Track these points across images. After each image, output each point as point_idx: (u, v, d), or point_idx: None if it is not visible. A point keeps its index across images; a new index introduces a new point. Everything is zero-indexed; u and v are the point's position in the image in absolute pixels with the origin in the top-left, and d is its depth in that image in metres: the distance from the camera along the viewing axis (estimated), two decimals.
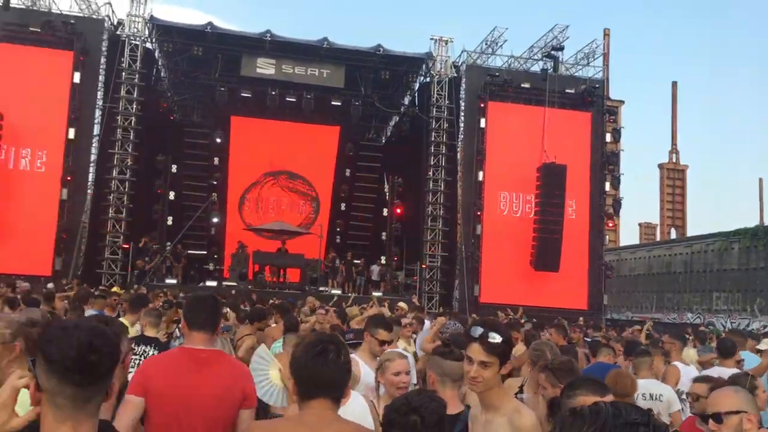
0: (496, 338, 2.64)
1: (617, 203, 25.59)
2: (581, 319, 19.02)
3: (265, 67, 22.61)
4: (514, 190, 23.51)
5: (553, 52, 23.74)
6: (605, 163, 24.26)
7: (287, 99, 23.46)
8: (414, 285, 23.85)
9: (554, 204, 22.58)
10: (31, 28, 20.62)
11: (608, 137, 24.86)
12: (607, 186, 24.61)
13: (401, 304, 12.75)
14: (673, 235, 60.45)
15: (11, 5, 20.38)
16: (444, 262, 23.65)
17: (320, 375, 2.42)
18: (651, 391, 5.32)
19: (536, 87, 23.63)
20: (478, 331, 2.68)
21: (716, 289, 35.75)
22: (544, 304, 22.68)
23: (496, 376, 2.69)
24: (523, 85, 23.76)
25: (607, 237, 32.92)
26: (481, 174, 23.23)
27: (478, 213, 23.23)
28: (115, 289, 15.95)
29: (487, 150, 23.33)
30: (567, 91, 23.93)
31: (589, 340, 10.28)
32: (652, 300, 41.48)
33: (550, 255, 22.72)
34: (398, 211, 25.63)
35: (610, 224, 26.65)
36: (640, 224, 68.71)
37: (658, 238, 61.22)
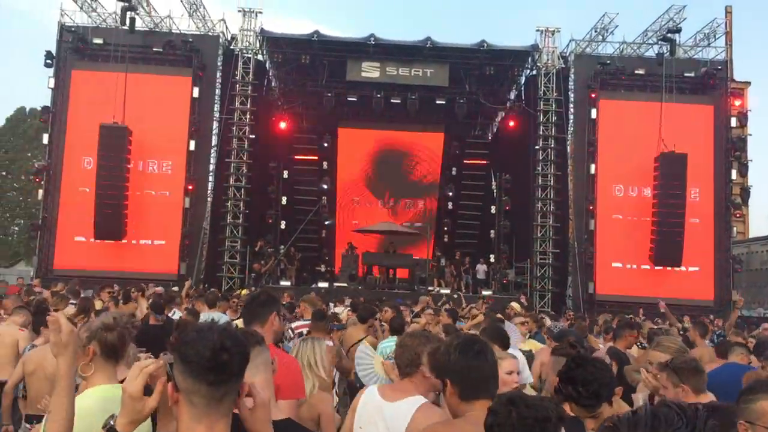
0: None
1: (745, 192, 23.82)
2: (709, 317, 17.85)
3: (370, 71, 22.94)
4: (630, 182, 22.44)
5: (669, 34, 22.34)
6: (731, 150, 22.61)
7: (392, 101, 23.71)
8: (525, 283, 23.33)
9: (674, 195, 21.31)
10: (154, 49, 22.11)
11: (733, 122, 23.13)
12: (734, 174, 22.90)
13: (513, 304, 12.51)
14: None
15: (136, 28, 21.91)
16: (555, 259, 22.98)
17: (483, 375, 2.48)
18: None
19: (652, 73, 22.41)
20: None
21: None
22: (667, 300, 21.47)
23: None
24: (637, 72, 22.62)
25: (735, 228, 30.63)
26: (593, 167, 22.36)
27: (591, 207, 22.37)
28: (244, 291, 16.73)
29: (599, 142, 22.43)
30: (686, 75, 22.52)
31: (717, 336, 9.63)
32: None
33: (671, 249, 21.47)
34: (507, 208, 25.17)
35: (738, 215, 24.79)
36: None
37: None
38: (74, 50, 22.10)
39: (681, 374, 3.50)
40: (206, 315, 7.72)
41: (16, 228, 46.11)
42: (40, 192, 22.33)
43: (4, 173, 45.83)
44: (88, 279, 17.15)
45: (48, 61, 21.97)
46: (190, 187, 22.04)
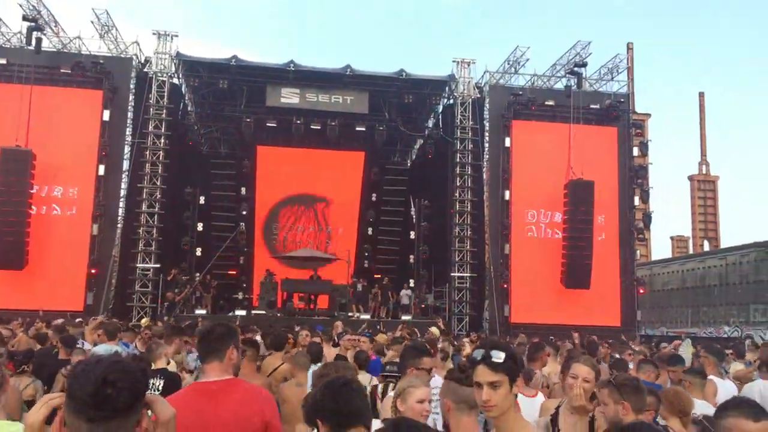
0: (499, 355, 2.57)
1: (647, 217, 25.21)
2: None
3: (290, 97, 22.90)
4: (542, 207, 23.30)
5: (576, 68, 23.62)
6: (633, 178, 23.96)
7: (312, 127, 23.73)
8: (443, 307, 23.65)
9: (583, 220, 22.30)
10: (62, 70, 21.19)
11: (636, 151, 24.57)
12: (637, 200, 24.26)
13: (432, 329, 12.63)
14: (707, 247, 59.28)
15: (42, 48, 20.96)
16: (473, 283, 23.45)
17: (353, 407, 2.51)
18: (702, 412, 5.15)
19: (561, 104, 23.51)
20: (480, 353, 2.62)
21: (753, 302, 34.87)
22: (577, 322, 22.31)
23: (508, 397, 2.59)
24: (547, 103, 23.66)
25: (639, 252, 32.42)
26: (507, 193, 23.09)
27: (506, 232, 23.04)
28: (144, 321, 16.08)
29: (512, 169, 23.22)
30: (592, 106, 23.76)
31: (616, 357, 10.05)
32: (687, 314, 40.58)
33: (580, 272, 22.39)
34: (425, 233, 25.53)
35: (641, 239, 26.19)
36: (671, 238, 67.67)
37: (690, 252, 60.07)
38: None
39: (623, 391, 3.57)
40: (105, 347, 7.29)
41: None
42: None
43: None
44: None
45: None
46: (98, 213, 21.09)
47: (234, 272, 26.20)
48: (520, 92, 23.64)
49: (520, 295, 22.68)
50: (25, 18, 20.65)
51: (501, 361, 2.56)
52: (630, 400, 3.57)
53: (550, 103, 23.76)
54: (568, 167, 22.71)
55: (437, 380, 5.45)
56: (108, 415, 1.52)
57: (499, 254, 22.97)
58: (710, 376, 6.35)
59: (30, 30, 20.76)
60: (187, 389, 3.30)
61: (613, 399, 3.56)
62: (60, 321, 12.64)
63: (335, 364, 4.82)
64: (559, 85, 24.41)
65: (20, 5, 20.40)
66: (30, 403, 4.44)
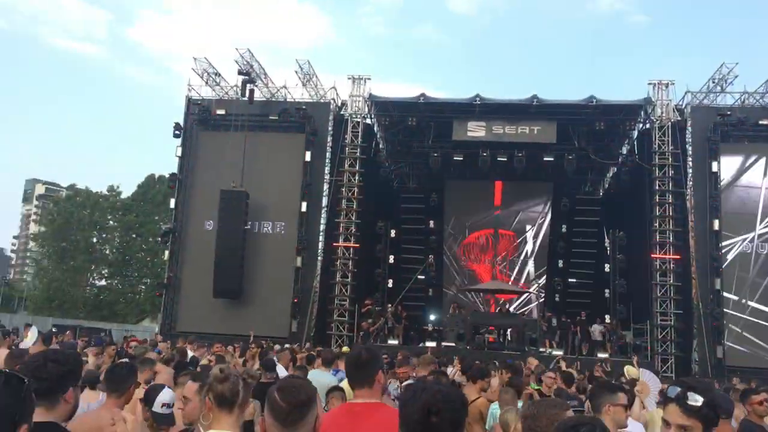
0: (695, 398, 2.32)
1: None
2: None
3: (476, 130, 23.09)
4: (758, 238, 20.89)
5: None
6: None
7: (498, 159, 23.66)
8: (644, 345, 21.95)
9: None
10: (271, 117, 23.50)
11: None
12: None
13: (628, 368, 11.72)
14: None
15: (255, 99, 23.45)
16: (678, 320, 21.55)
17: None
18: None
19: None
20: (675, 390, 2.40)
21: None
22: None
23: None
24: (761, 122, 21.35)
25: None
26: (716, 222, 21.04)
27: (716, 265, 20.93)
28: (345, 349, 16.92)
29: (722, 196, 21.17)
30: None
31: None
32: None
33: None
34: (621, 266, 24.02)
35: None
36: None
37: None
38: (200, 121, 23.91)
39: None
40: (320, 373, 7.82)
41: (143, 287, 49.34)
42: (167, 253, 23.90)
43: (134, 235, 49.54)
44: (206, 336, 17.92)
45: (176, 131, 23.89)
46: (301, 247, 22.80)
47: (423, 304, 26.71)
48: (728, 112, 21.59)
49: (737, 335, 20.40)
50: (240, 72, 23.26)
51: (697, 405, 2.35)
52: None
53: (765, 122, 21.38)
54: None
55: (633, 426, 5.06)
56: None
57: (709, 289, 20.90)
58: None
59: (244, 83, 23.34)
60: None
61: None
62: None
63: (545, 401, 4.67)
64: None
65: (236, 61, 23.04)
66: (249, 423, 4.83)
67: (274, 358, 9.61)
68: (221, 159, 22.99)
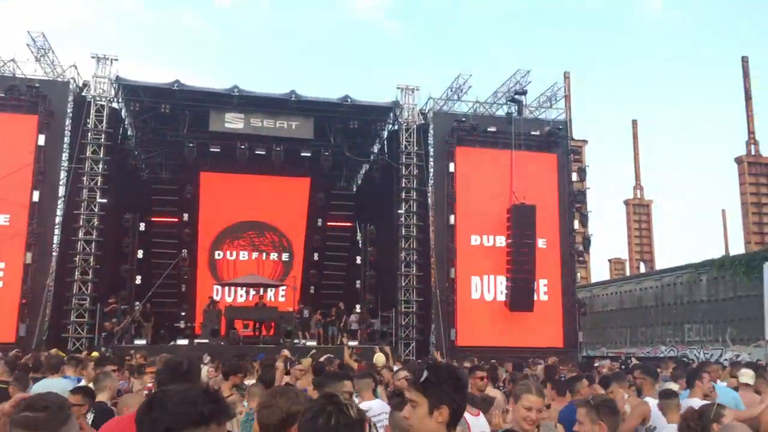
0: (422, 375, 2.50)
1: (587, 240, 25.93)
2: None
3: (234, 122, 22.69)
4: (486, 232, 23.67)
5: (516, 96, 24.34)
6: (572, 202, 24.66)
7: (257, 152, 23.54)
8: (390, 332, 23.61)
9: (525, 244, 22.78)
10: None
11: (574, 176, 25.33)
12: (576, 224, 24.95)
13: (378, 355, 12.51)
14: (643, 269, 61.27)
15: None
16: (419, 307, 23.53)
17: None
18: None
19: (502, 131, 24.08)
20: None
21: (687, 321, 36.09)
22: (521, 344, 22.66)
23: (426, 421, 2.45)
24: (489, 129, 24.19)
25: (579, 274, 33.24)
26: (452, 218, 23.38)
27: (451, 256, 23.28)
28: (94, 354, 15.43)
29: (457, 194, 23.56)
30: (532, 133, 24.42)
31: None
32: (626, 335, 41.65)
33: (524, 295, 22.81)
34: (372, 258, 25.55)
35: (581, 261, 26.90)
36: (609, 260, 69.65)
37: (627, 273, 61.97)
38: None
39: (600, 412, 3.61)
40: (49, 382, 6.99)
41: None
42: None
43: None
44: None
45: None
46: (32, 242, 20.25)
47: (175, 300, 25.50)
48: (463, 119, 24.12)
49: (466, 318, 22.89)
50: None
51: (421, 381, 2.50)
52: (607, 421, 3.63)
53: (492, 129, 24.30)
54: (510, 192, 23.24)
55: (370, 404, 5.45)
56: None
57: (445, 278, 23.16)
58: (646, 397, 6.48)
59: None
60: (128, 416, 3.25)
61: (590, 419, 3.61)
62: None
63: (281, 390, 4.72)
64: (501, 112, 25.05)
65: None
66: None
67: None
68: None
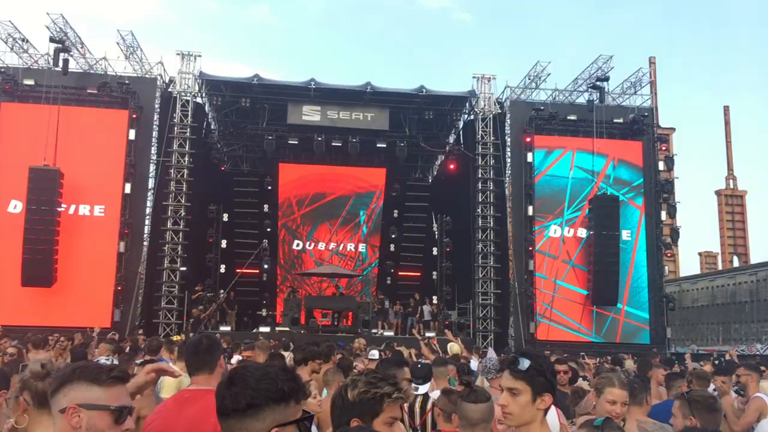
0: (523, 363, 2.49)
1: (675, 232, 24.77)
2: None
3: (311, 114, 23.06)
4: (566, 223, 23.06)
5: (598, 83, 23.49)
6: (660, 192, 23.61)
7: (333, 144, 23.83)
8: (467, 324, 23.43)
9: (608, 236, 22.03)
10: (89, 90, 21.64)
11: (661, 165, 24.25)
12: (663, 215, 23.87)
13: (452, 344, 12.41)
14: (736, 263, 58.10)
15: (69, 70, 21.45)
16: (497, 299, 23.22)
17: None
18: None
19: (583, 119, 23.36)
20: (509, 359, 2.58)
21: None
22: (606, 340, 22.02)
23: (528, 408, 2.48)
24: (569, 118, 23.52)
25: (667, 268, 31.83)
26: (530, 209, 22.91)
27: (530, 248, 22.82)
28: (176, 337, 16.17)
29: (536, 184, 23.07)
30: (615, 120, 23.56)
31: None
32: (718, 331, 39.75)
33: (608, 289, 22.07)
34: (448, 249, 25.39)
35: (669, 254, 25.75)
36: (699, 254, 66.47)
37: (719, 267, 58.93)
38: (3, 91, 21.39)
39: (693, 407, 3.45)
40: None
41: None
42: None
43: None
44: (16, 329, 16.19)
45: None
46: (126, 231, 21.37)
47: (256, 289, 26.27)
48: (542, 107, 23.55)
49: (546, 311, 22.43)
50: (52, 40, 21.15)
51: (524, 368, 2.50)
52: (699, 417, 3.42)
53: (572, 117, 23.62)
54: (597, 182, 22.64)
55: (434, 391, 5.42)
56: None
57: (524, 270, 22.74)
58: (757, 394, 6.17)
59: (57, 51, 21.27)
60: (174, 395, 3.44)
61: (682, 413, 3.43)
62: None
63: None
64: (581, 100, 24.27)
65: (47, 27, 20.90)
66: None
67: (87, 351, 8.91)
68: (30, 133, 20.76)
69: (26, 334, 14.16)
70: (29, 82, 21.45)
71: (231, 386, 1.73)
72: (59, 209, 20.38)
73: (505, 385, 2.53)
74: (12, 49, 21.77)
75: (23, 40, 21.90)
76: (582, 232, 22.89)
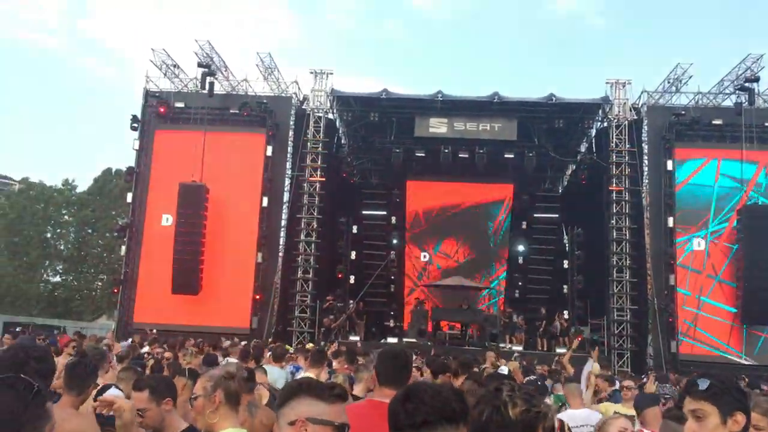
0: (703, 383, 2.32)
1: None
2: None
3: (438, 126, 23.18)
4: (711, 235, 21.46)
5: (747, 84, 21.69)
6: None
7: (460, 155, 23.79)
8: (601, 341, 22.36)
9: (760, 249, 20.20)
10: (231, 111, 23.17)
11: None
12: None
13: (594, 364, 11.87)
14: None
15: (214, 92, 23.10)
16: (634, 315, 22.00)
17: None
18: None
19: (730, 123, 21.69)
20: (690, 383, 2.43)
21: None
22: (758, 362, 20.20)
23: (720, 430, 2.29)
24: (714, 122, 21.93)
25: None
26: (671, 220, 21.55)
27: (671, 262, 21.43)
28: (309, 345, 16.83)
29: (677, 194, 21.69)
30: (766, 125, 21.66)
31: None
32: None
33: (760, 306, 20.22)
34: (579, 262, 24.42)
35: None
36: None
37: None
38: (157, 114, 23.42)
39: None
40: (269, 368, 7.82)
41: (99, 283, 48.19)
42: (123, 248, 23.37)
43: (89, 230, 48.34)
44: (166, 332, 17.64)
45: (134, 124, 23.35)
46: (262, 243, 22.55)
47: (384, 300, 26.71)
48: (683, 112, 22.12)
49: (689, 329, 20.95)
50: (200, 65, 22.86)
51: (705, 387, 2.34)
52: None
53: (718, 122, 21.99)
54: (747, 191, 20.92)
55: (573, 413, 5.20)
56: None
57: (663, 285, 21.41)
58: None
59: (204, 75, 22.97)
60: (366, 404, 3.46)
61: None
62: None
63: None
64: (728, 103, 22.53)
65: (195, 53, 22.63)
66: None
67: (218, 355, 9.54)
68: (180, 152, 22.57)
69: (177, 337, 15.41)
70: (180, 104, 23.34)
71: (405, 402, 1.75)
72: (205, 222, 21.92)
73: (688, 408, 2.38)
74: (165, 75, 23.80)
75: (174, 66, 23.88)
76: (730, 245, 21.17)
